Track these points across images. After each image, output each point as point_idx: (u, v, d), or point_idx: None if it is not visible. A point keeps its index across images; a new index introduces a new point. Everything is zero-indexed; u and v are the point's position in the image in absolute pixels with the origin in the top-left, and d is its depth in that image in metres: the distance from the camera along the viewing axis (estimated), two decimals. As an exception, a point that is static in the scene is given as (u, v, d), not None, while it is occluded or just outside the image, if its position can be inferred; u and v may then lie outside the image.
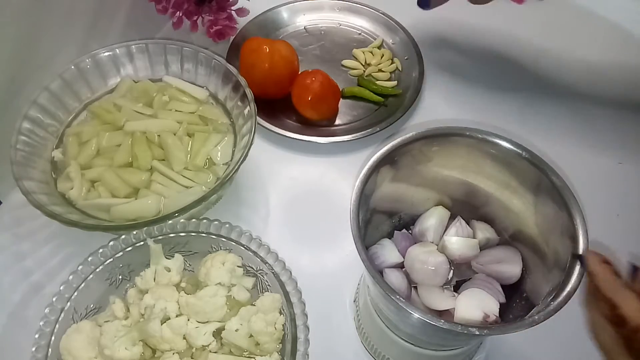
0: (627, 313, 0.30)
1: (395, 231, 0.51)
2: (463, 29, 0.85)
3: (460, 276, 0.49)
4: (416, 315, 0.36)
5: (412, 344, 0.47)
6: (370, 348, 0.53)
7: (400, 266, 0.49)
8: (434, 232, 0.49)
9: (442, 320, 0.36)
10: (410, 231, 0.52)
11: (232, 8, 0.75)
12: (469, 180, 0.48)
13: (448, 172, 0.48)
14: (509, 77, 0.78)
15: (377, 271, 0.38)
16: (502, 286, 0.47)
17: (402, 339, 0.47)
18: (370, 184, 0.43)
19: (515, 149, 0.44)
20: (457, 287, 0.49)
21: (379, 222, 0.50)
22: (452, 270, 0.49)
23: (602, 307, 0.31)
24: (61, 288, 0.48)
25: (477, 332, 0.36)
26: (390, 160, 0.44)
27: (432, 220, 0.50)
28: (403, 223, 0.52)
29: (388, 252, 0.49)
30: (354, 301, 0.56)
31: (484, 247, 0.48)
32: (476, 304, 0.45)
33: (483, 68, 0.79)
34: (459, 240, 0.47)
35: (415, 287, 0.48)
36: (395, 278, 0.47)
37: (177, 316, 0.48)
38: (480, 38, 0.84)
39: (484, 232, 0.49)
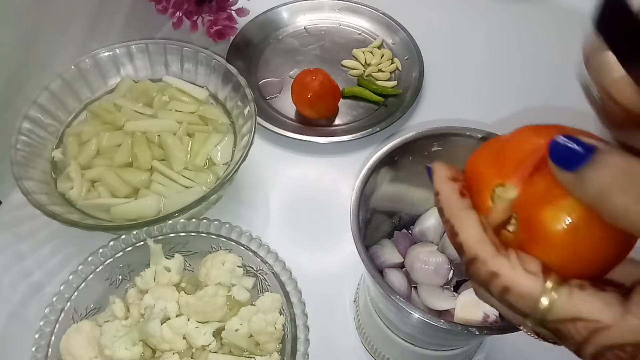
0: (464, 241, 0.25)
1: (395, 231, 0.51)
2: (463, 29, 0.85)
3: (460, 276, 0.49)
4: (416, 315, 0.36)
5: (412, 344, 0.47)
6: (370, 348, 0.53)
7: (401, 266, 0.49)
8: (434, 232, 0.49)
9: (442, 320, 0.36)
10: (410, 231, 0.52)
11: (232, 8, 0.75)
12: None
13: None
14: (509, 77, 0.78)
15: (377, 271, 0.38)
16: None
17: (402, 339, 0.47)
18: (370, 184, 0.43)
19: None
20: (457, 287, 0.49)
21: (379, 222, 0.50)
22: (452, 270, 0.49)
23: (446, 230, 0.27)
24: (61, 288, 0.48)
25: (477, 332, 0.36)
26: (391, 160, 0.44)
27: (432, 220, 0.50)
28: (403, 223, 0.52)
29: (388, 252, 0.49)
30: (354, 301, 0.56)
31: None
32: (476, 304, 0.45)
33: (483, 68, 0.80)
34: None
35: (415, 287, 0.48)
36: (395, 278, 0.47)
37: (177, 316, 0.48)
38: (481, 38, 0.84)
39: None
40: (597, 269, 0.25)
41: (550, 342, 0.26)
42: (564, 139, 0.23)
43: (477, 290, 0.28)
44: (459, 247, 0.26)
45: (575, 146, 0.23)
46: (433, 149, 0.46)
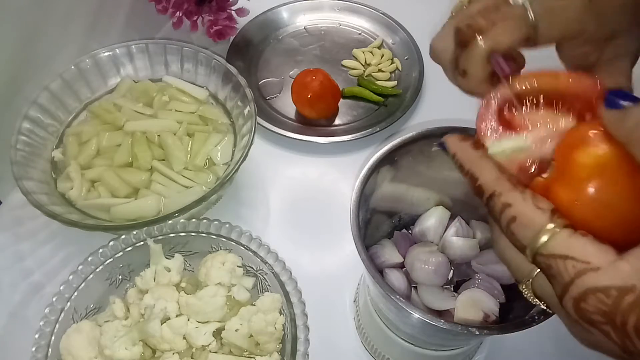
0: (483, 182, 0.27)
1: (395, 231, 0.51)
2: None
3: (460, 276, 0.49)
4: (416, 315, 0.36)
5: (412, 343, 0.47)
6: (370, 348, 0.53)
7: (401, 266, 0.49)
8: (434, 232, 0.49)
9: (442, 320, 0.36)
10: (410, 231, 0.52)
11: (232, 8, 0.75)
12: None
13: (448, 172, 0.48)
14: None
15: (377, 271, 0.38)
16: (502, 286, 0.47)
17: (402, 339, 0.47)
18: (370, 184, 0.43)
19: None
20: (457, 287, 0.49)
21: (379, 222, 0.50)
22: (452, 270, 0.49)
23: (469, 183, 0.29)
24: (61, 288, 0.48)
25: (477, 332, 0.36)
26: (391, 160, 0.44)
27: (432, 220, 0.50)
28: (403, 223, 0.52)
29: (388, 252, 0.49)
30: (354, 301, 0.56)
31: (483, 247, 0.48)
32: (476, 304, 0.45)
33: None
34: (459, 240, 0.47)
35: (415, 287, 0.48)
36: (395, 278, 0.47)
37: (177, 316, 0.48)
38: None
39: (484, 232, 0.49)
40: (617, 228, 0.25)
41: (543, 306, 0.27)
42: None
43: (494, 237, 0.29)
44: (479, 190, 0.28)
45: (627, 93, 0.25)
46: (433, 149, 0.46)
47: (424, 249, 0.48)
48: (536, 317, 0.36)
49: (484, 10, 0.31)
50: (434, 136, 0.45)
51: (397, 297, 0.37)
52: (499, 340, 0.54)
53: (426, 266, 0.47)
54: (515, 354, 0.54)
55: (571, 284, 0.23)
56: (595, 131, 0.25)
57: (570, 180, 0.26)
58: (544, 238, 0.24)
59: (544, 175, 0.28)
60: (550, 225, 0.24)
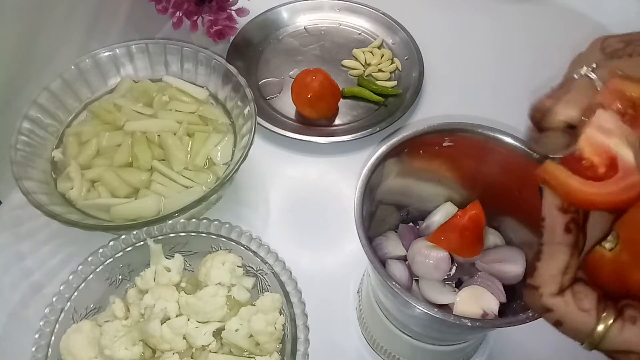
0: (539, 268, 0.27)
1: (401, 224, 0.51)
2: (463, 29, 0.85)
3: (463, 273, 0.49)
4: (411, 302, 0.36)
5: (410, 336, 0.47)
6: (370, 340, 0.53)
7: (404, 259, 0.49)
8: (438, 226, 0.49)
9: (436, 309, 0.36)
10: (418, 226, 0.52)
11: (232, 8, 0.75)
12: (479, 178, 0.48)
13: (458, 169, 0.48)
14: (509, 77, 0.78)
15: (376, 257, 0.38)
16: (504, 287, 0.47)
17: (401, 331, 0.47)
18: (377, 175, 0.43)
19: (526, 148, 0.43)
20: (458, 285, 0.49)
21: (386, 214, 0.50)
22: (454, 267, 0.49)
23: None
24: (61, 288, 0.48)
25: (470, 324, 0.35)
26: (400, 152, 0.44)
27: (438, 215, 0.50)
28: (411, 217, 0.52)
29: (392, 244, 0.49)
30: (357, 292, 0.56)
31: (488, 246, 0.48)
32: (476, 301, 0.45)
33: (483, 68, 0.79)
34: None
35: (417, 280, 0.48)
36: (397, 269, 0.47)
37: (177, 316, 0.48)
38: (481, 38, 0.84)
39: (491, 232, 0.48)
40: None
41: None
42: None
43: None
44: (532, 270, 0.27)
45: None
46: (444, 144, 0.45)
47: (427, 243, 0.48)
48: (530, 314, 0.36)
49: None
50: (446, 131, 0.45)
51: (394, 283, 0.37)
52: (501, 340, 0.54)
53: (427, 260, 0.46)
54: (517, 354, 0.54)
55: None
56: None
57: None
58: (598, 337, 0.25)
59: (606, 245, 0.27)
60: (600, 327, 0.25)
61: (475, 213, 0.44)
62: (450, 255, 0.47)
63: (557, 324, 0.26)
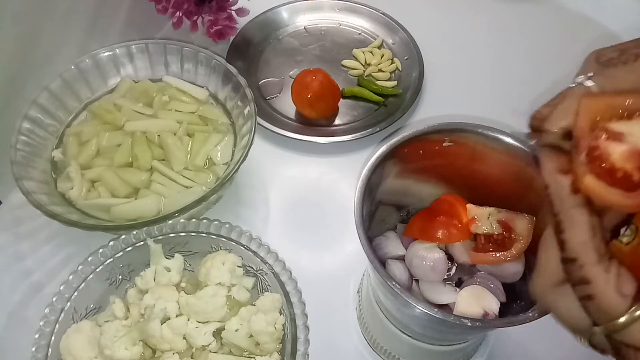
0: (568, 239, 0.26)
1: (399, 224, 0.51)
2: (463, 29, 0.85)
3: (463, 273, 0.49)
4: (411, 302, 0.36)
5: (409, 336, 0.47)
6: (370, 339, 0.53)
7: (404, 259, 0.49)
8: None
9: (436, 309, 0.36)
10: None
11: (232, 8, 0.75)
12: (479, 178, 0.48)
13: (458, 169, 0.48)
14: (509, 77, 0.78)
15: (376, 256, 0.38)
16: (504, 287, 0.47)
17: (400, 330, 0.47)
18: (377, 176, 0.43)
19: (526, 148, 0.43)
20: (459, 284, 0.49)
21: (386, 214, 0.50)
22: (454, 267, 0.49)
23: (552, 223, 0.27)
24: (61, 288, 0.48)
25: (470, 324, 0.35)
26: (399, 153, 0.44)
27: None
28: (411, 217, 0.52)
29: (392, 244, 0.49)
30: (358, 291, 0.56)
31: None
32: (476, 301, 0.45)
33: (483, 68, 0.80)
34: None
35: (417, 280, 0.48)
36: (397, 269, 0.47)
37: (177, 316, 0.48)
38: (481, 38, 0.84)
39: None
40: None
41: (599, 353, 0.27)
42: None
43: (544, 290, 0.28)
44: (561, 244, 0.26)
45: None
46: (444, 144, 0.45)
47: (424, 244, 0.48)
48: (530, 314, 0.36)
49: None
50: (445, 131, 0.45)
51: (394, 283, 0.37)
52: (501, 340, 0.54)
53: (424, 262, 0.46)
54: (518, 354, 0.54)
55: None
56: None
57: None
58: (619, 325, 0.24)
59: (623, 240, 0.26)
60: (629, 316, 0.24)
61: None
62: (450, 255, 0.47)
63: (588, 298, 0.25)
